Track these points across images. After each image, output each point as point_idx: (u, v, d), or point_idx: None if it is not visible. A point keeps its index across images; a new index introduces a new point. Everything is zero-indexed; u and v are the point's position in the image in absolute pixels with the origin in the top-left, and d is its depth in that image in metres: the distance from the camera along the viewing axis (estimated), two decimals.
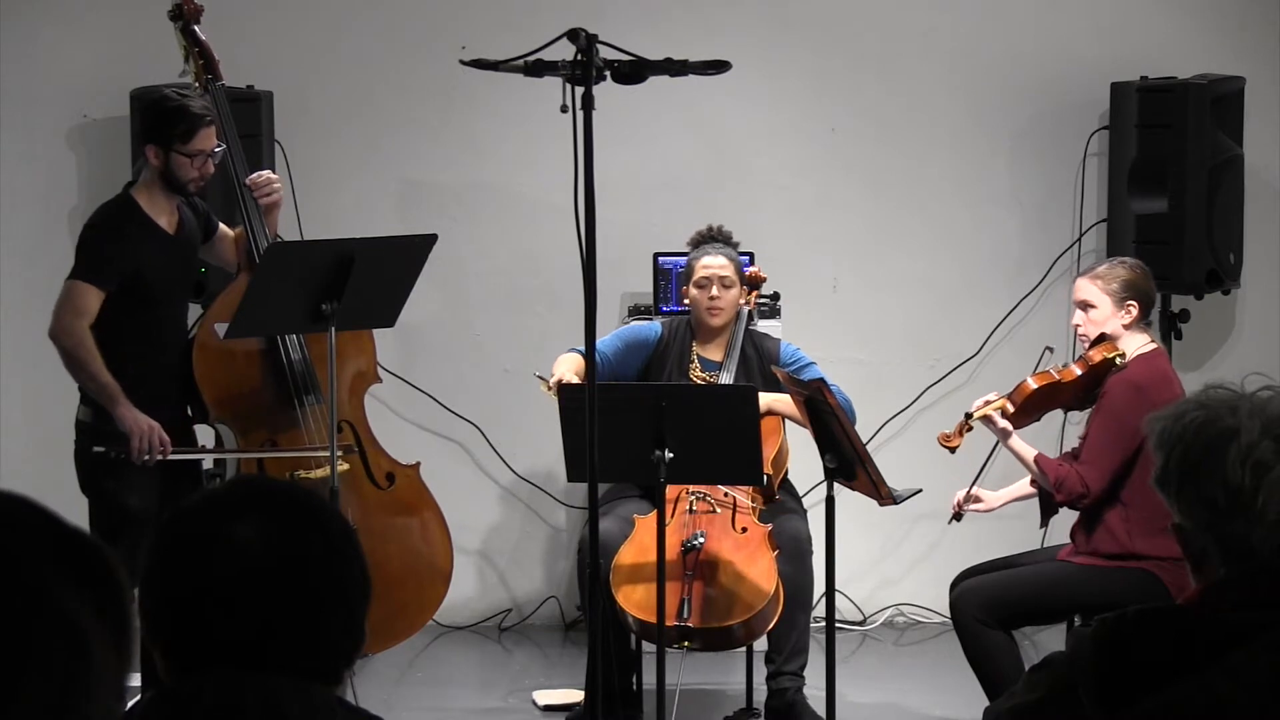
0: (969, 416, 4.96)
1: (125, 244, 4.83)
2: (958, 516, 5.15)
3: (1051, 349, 5.09)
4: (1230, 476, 2.21)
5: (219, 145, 4.91)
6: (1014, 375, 6.40)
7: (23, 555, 1.37)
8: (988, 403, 4.97)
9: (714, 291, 5.50)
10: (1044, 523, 5.15)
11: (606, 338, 5.62)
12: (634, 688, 5.37)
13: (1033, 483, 5.05)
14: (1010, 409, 4.93)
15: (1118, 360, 4.89)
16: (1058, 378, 4.93)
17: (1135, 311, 4.94)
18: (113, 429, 4.82)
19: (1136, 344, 4.95)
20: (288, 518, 1.90)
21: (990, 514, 5.22)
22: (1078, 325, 5.00)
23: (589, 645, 4.61)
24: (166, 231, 4.92)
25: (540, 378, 5.30)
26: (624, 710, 5.22)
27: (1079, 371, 4.93)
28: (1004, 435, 4.94)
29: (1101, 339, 4.94)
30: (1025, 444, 4.99)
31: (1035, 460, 4.93)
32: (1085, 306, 4.96)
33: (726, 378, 5.45)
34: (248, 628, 1.84)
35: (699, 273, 5.53)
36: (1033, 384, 4.94)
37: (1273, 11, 6.71)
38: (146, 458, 4.79)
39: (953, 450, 5.00)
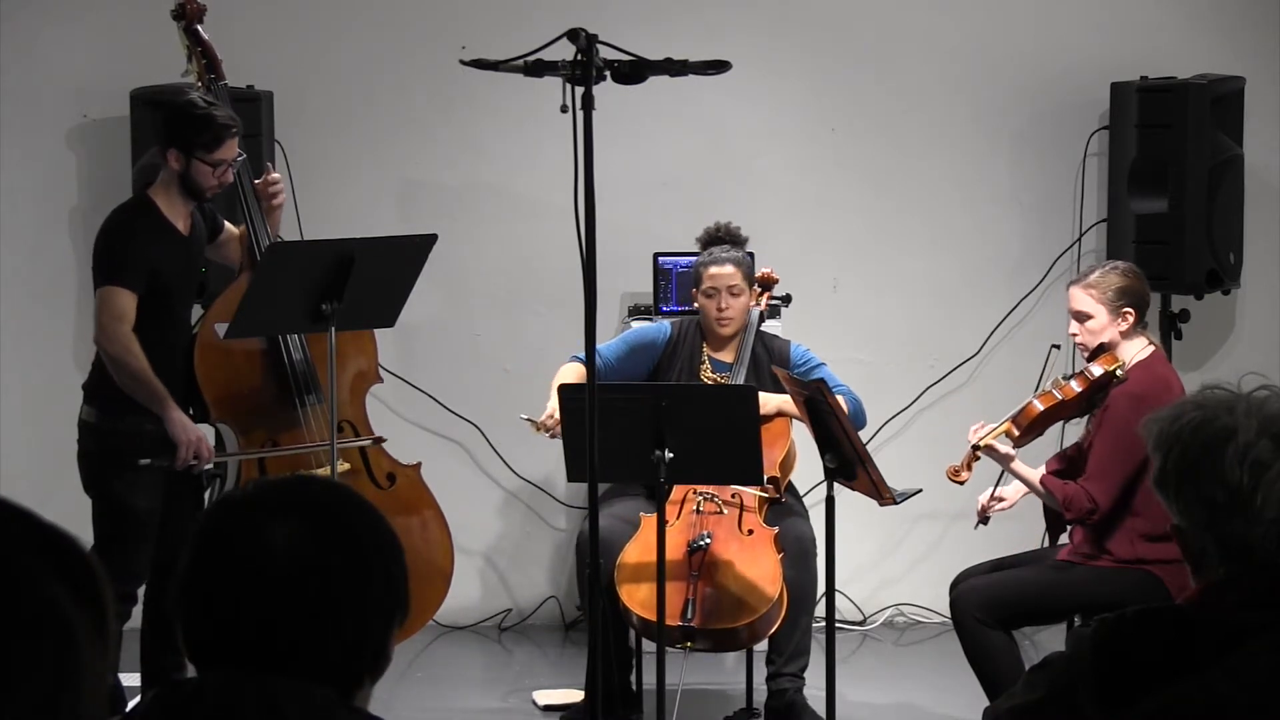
0: (975, 448, 4.92)
1: (145, 245, 4.85)
2: (984, 520, 5.13)
3: (1058, 346, 5.06)
4: (1228, 476, 2.22)
5: (240, 155, 4.93)
6: (1014, 375, 6.43)
7: (8, 550, 1.37)
8: (985, 427, 4.95)
9: (723, 302, 5.47)
10: (1053, 541, 5.13)
11: (611, 342, 5.61)
12: (633, 687, 5.37)
13: (1045, 509, 5.04)
14: (1016, 432, 4.91)
15: (1118, 373, 4.88)
16: (1060, 397, 4.90)
17: (1132, 318, 4.92)
18: (116, 428, 4.85)
19: (1134, 350, 4.93)
20: (321, 525, 1.89)
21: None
22: (1074, 335, 4.98)
23: (589, 645, 4.61)
24: (181, 233, 4.94)
25: (528, 420, 5.25)
26: (623, 710, 5.22)
27: (1079, 388, 4.91)
28: (1006, 461, 4.92)
29: (1100, 349, 4.93)
30: (1028, 467, 4.97)
31: (1041, 482, 4.91)
32: (1081, 317, 4.94)
33: (738, 381, 5.43)
34: (264, 629, 1.85)
35: (707, 281, 5.50)
36: (1039, 405, 4.91)
37: (1273, 11, 6.71)
38: (193, 464, 4.84)
39: (962, 484, 4.97)
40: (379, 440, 5.34)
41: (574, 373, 5.34)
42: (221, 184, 4.91)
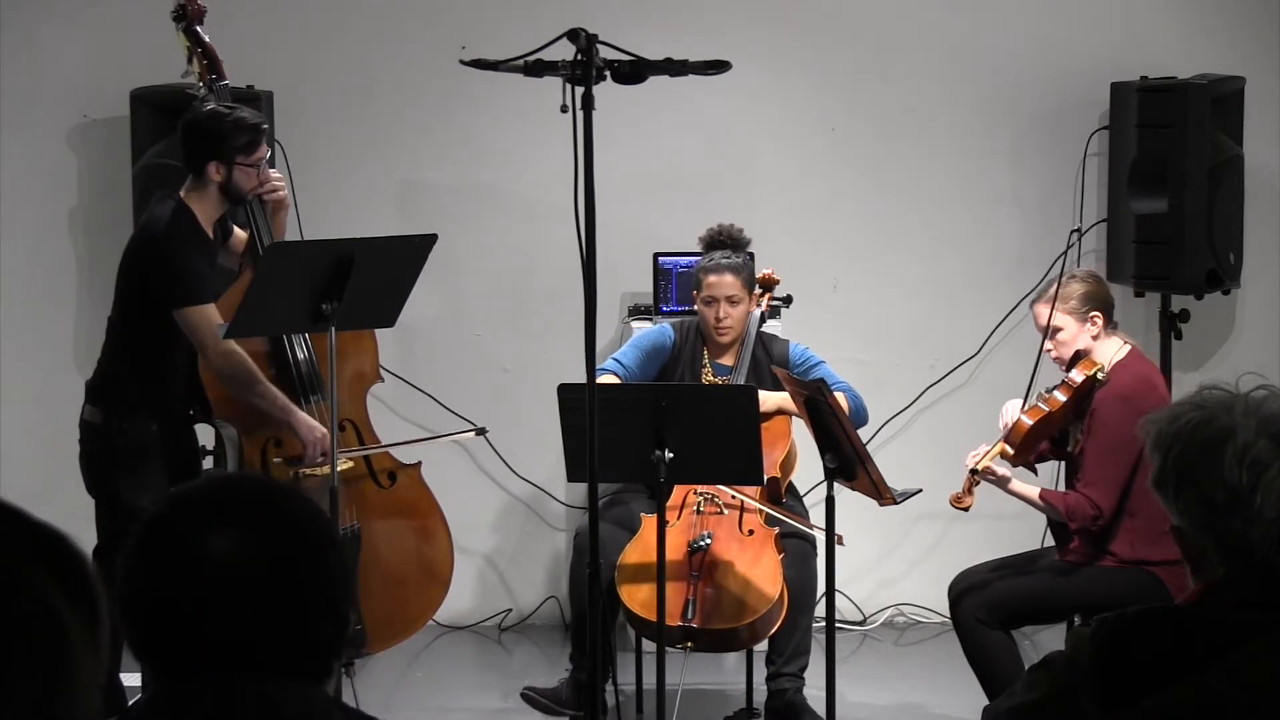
0: (975, 473, 4.90)
1: (198, 255, 4.89)
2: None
3: (1078, 229, 4.99)
4: (1228, 476, 2.22)
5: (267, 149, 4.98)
6: (1014, 375, 6.42)
7: (2, 549, 1.37)
8: (977, 453, 4.94)
9: (721, 311, 5.46)
10: (1061, 551, 5.12)
11: (624, 348, 5.59)
12: (605, 695, 5.30)
13: (1050, 522, 5.04)
14: (1010, 451, 4.91)
15: (1099, 376, 4.89)
16: (1047, 409, 4.90)
17: (1100, 321, 4.94)
18: (121, 429, 4.87)
19: (1110, 350, 4.95)
20: (267, 527, 1.86)
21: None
22: (1048, 350, 4.99)
23: (589, 645, 4.60)
24: (210, 238, 4.98)
25: None
26: (591, 710, 5.18)
27: (1064, 398, 4.91)
28: (1004, 483, 4.92)
29: (1077, 357, 4.94)
30: (1025, 485, 4.97)
31: (1040, 497, 4.91)
32: (1050, 331, 4.95)
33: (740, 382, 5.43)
34: (230, 636, 1.82)
35: (705, 290, 5.49)
36: (1027, 421, 4.90)
37: (1273, 11, 6.70)
38: (321, 460, 4.91)
39: (965, 509, 4.95)
40: (481, 430, 5.51)
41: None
42: (262, 182, 4.94)
